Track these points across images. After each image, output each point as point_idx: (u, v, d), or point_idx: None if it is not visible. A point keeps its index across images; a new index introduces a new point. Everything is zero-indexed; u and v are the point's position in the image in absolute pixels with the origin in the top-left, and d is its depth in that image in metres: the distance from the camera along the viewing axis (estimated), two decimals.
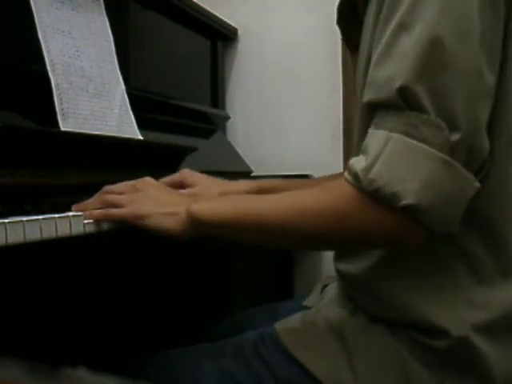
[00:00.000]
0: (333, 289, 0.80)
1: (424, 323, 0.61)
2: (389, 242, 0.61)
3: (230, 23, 1.59)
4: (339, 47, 1.51)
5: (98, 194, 0.70)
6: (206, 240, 0.84)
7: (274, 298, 1.45)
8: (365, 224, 0.57)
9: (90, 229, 0.64)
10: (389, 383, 0.62)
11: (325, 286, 0.86)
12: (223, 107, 1.63)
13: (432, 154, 0.53)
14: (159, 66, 1.31)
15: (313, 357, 0.65)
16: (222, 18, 1.54)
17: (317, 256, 1.58)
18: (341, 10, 0.80)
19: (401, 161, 0.54)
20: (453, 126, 0.53)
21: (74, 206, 0.67)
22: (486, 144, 0.57)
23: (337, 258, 0.74)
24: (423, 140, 0.53)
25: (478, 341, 0.59)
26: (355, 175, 0.56)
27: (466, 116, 0.54)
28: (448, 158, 0.53)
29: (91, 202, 0.69)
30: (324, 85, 1.55)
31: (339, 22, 0.82)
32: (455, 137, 0.53)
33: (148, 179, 0.72)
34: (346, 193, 0.57)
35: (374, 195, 0.55)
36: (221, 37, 1.60)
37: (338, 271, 0.74)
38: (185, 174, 0.89)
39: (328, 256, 1.56)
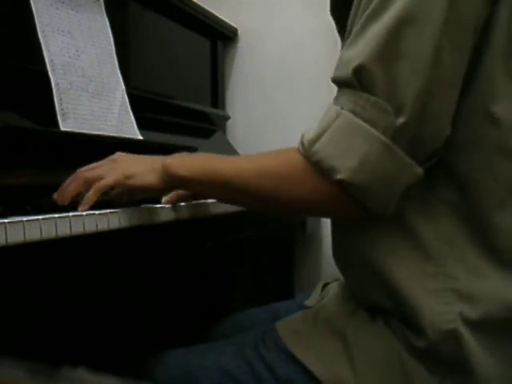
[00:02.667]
0: (333, 288, 0.80)
1: (410, 315, 0.61)
2: (326, 211, 0.68)
3: (230, 23, 1.59)
4: (339, 47, 1.51)
5: (74, 175, 0.69)
6: (206, 239, 0.84)
7: (274, 297, 1.45)
8: (305, 190, 0.61)
9: (91, 228, 0.64)
10: (389, 383, 0.62)
11: (325, 286, 0.86)
12: (223, 107, 1.63)
13: (374, 135, 0.56)
14: (159, 66, 1.31)
15: (313, 356, 0.65)
16: (222, 18, 1.54)
17: (317, 256, 1.58)
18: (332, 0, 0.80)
19: (344, 137, 0.57)
20: (399, 112, 0.55)
21: (54, 194, 0.67)
22: (443, 132, 0.58)
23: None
24: (368, 121, 0.56)
25: (467, 336, 0.59)
26: (302, 144, 0.60)
27: (415, 105, 0.55)
28: (389, 142, 0.56)
29: (71, 184, 0.68)
30: (324, 85, 1.54)
31: (332, 11, 0.83)
32: (399, 122, 0.55)
33: (118, 153, 0.73)
34: (294, 159, 0.61)
35: (315, 166, 0.59)
36: (221, 37, 1.60)
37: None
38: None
39: (328, 256, 1.56)
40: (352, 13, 0.65)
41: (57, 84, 0.87)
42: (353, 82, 0.58)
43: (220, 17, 1.53)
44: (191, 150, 1.15)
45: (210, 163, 0.68)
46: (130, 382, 0.30)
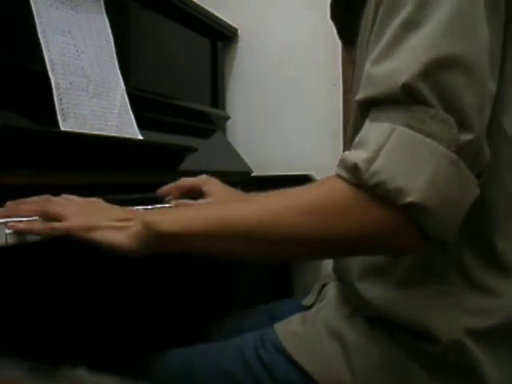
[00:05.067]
0: (332, 289, 0.80)
1: (418, 327, 0.60)
2: (382, 247, 0.54)
3: (230, 23, 1.59)
4: (339, 47, 1.51)
5: (38, 200, 0.63)
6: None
7: (274, 297, 1.45)
8: (358, 223, 0.51)
9: None
10: None
11: (324, 286, 0.86)
12: (223, 107, 1.63)
13: (439, 149, 0.49)
14: (159, 66, 1.31)
15: (312, 359, 0.65)
16: (222, 18, 1.54)
17: None
18: (333, 4, 0.78)
19: (406, 155, 0.49)
20: (463, 125, 0.50)
21: (7, 205, 0.61)
22: (488, 150, 0.54)
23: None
24: (430, 135, 0.49)
25: (473, 346, 0.58)
26: (353, 168, 0.50)
27: (478, 118, 0.51)
28: (455, 157, 0.49)
29: (28, 207, 0.61)
30: (324, 85, 1.55)
31: (333, 16, 0.80)
32: (467, 137, 0.50)
33: (95, 199, 0.65)
34: (339, 188, 0.52)
35: (374, 190, 0.49)
36: (221, 37, 1.60)
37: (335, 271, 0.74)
38: (204, 179, 0.87)
39: None
40: (366, 16, 0.62)
41: (57, 84, 0.87)
42: (402, 97, 0.50)
43: (220, 17, 1.53)
44: (191, 150, 1.15)
45: (216, 212, 0.57)
46: (129, 381, 0.31)
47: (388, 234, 0.51)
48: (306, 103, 1.58)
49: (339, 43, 1.53)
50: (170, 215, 0.59)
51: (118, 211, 0.62)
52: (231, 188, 0.88)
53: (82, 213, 0.61)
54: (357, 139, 0.54)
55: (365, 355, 0.63)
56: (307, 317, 0.72)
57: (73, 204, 0.63)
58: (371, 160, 0.49)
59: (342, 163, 0.52)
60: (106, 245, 0.58)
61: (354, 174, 0.50)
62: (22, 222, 0.57)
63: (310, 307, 0.81)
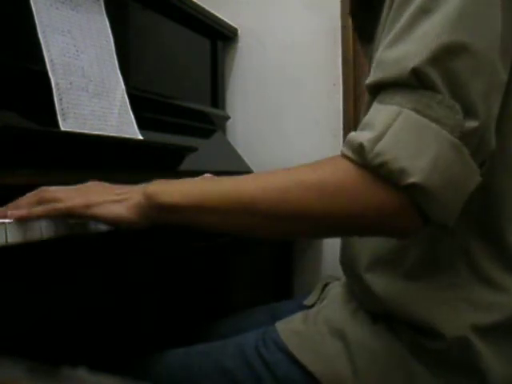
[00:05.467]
0: (334, 288, 0.80)
1: (422, 322, 0.61)
2: (383, 227, 0.54)
3: (230, 23, 1.59)
4: (339, 47, 1.51)
5: (34, 192, 0.62)
6: (206, 239, 0.83)
7: (274, 297, 1.45)
8: (362, 202, 0.51)
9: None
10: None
11: (325, 285, 0.86)
12: (223, 107, 1.63)
13: (443, 134, 0.50)
14: (159, 66, 1.31)
15: (314, 358, 0.65)
16: (222, 18, 1.54)
17: (317, 256, 1.58)
18: (354, 1, 0.78)
19: (411, 137, 0.50)
20: (469, 112, 0.50)
21: (7, 206, 0.60)
22: (494, 140, 0.54)
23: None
24: (435, 120, 0.50)
25: (478, 342, 0.59)
26: (359, 147, 0.51)
27: (484, 106, 0.51)
28: (459, 142, 0.50)
29: (26, 199, 0.60)
30: (324, 85, 1.55)
31: (353, 12, 0.80)
32: (472, 124, 0.50)
33: (92, 182, 0.65)
34: (344, 166, 0.52)
35: (378, 170, 0.50)
36: (221, 37, 1.60)
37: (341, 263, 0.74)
38: (207, 178, 0.85)
39: (328, 255, 1.56)
40: (385, 14, 0.61)
41: (57, 84, 0.87)
42: (410, 82, 0.51)
43: (220, 17, 1.53)
44: (191, 150, 1.15)
45: (218, 185, 0.58)
46: (129, 382, 0.30)
47: (390, 214, 0.52)
48: (306, 103, 1.58)
49: (339, 43, 1.53)
50: (172, 186, 0.59)
51: (114, 187, 0.62)
52: None
53: (80, 194, 0.60)
54: (364, 120, 0.54)
55: (367, 354, 0.63)
56: (309, 315, 0.72)
57: (69, 189, 0.62)
58: (376, 140, 0.50)
59: (349, 143, 0.53)
60: (107, 218, 0.58)
61: (359, 154, 0.51)
62: (22, 210, 0.57)
63: (311, 307, 0.81)
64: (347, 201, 0.52)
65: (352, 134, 0.53)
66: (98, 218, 0.59)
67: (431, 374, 0.60)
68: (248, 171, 1.52)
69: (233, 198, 0.55)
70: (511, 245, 0.60)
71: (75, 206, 0.58)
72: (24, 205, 0.59)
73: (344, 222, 0.54)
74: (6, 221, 0.55)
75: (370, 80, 0.55)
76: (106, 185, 0.64)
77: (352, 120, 1.48)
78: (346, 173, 0.52)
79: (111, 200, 0.59)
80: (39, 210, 0.58)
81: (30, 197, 0.61)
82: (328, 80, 1.54)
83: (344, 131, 1.52)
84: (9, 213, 0.56)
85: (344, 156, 0.53)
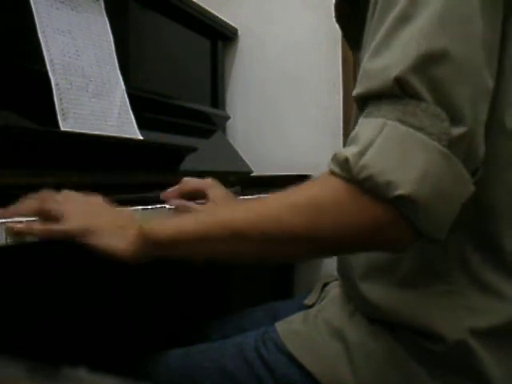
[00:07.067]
0: (333, 288, 0.80)
1: (421, 327, 0.60)
2: (373, 242, 0.54)
3: (230, 23, 1.60)
4: (339, 47, 1.51)
5: (36, 196, 0.62)
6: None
7: (274, 297, 1.45)
8: (351, 217, 0.51)
9: None
10: None
11: (325, 285, 0.86)
12: (223, 107, 1.63)
13: (430, 144, 0.49)
14: (159, 66, 1.31)
15: (313, 358, 0.65)
16: (222, 18, 1.54)
17: None
18: (338, 7, 0.77)
19: (396, 149, 0.49)
20: (455, 118, 0.49)
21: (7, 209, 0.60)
22: (483, 146, 0.53)
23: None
24: (420, 128, 0.49)
25: (477, 346, 0.58)
26: (344, 162, 0.50)
27: (470, 111, 0.50)
28: (447, 151, 0.49)
29: (26, 206, 0.61)
30: (324, 85, 1.55)
31: (338, 19, 0.80)
32: (458, 130, 0.49)
33: (94, 197, 0.64)
34: (333, 184, 0.52)
35: (364, 184, 0.49)
36: (221, 37, 1.60)
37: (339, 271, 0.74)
38: (209, 183, 0.85)
39: None
40: (369, 20, 0.61)
41: (57, 84, 0.87)
42: (394, 91, 0.50)
43: (220, 17, 1.53)
44: (191, 150, 1.15)
45: (207, 216, 0.59)
46: (129, 382, 0.30)
47: (380, 228, 0.51)
48: (306, 103, 1.58)
49: (339, 43, 1.53)
50: (165, 222, 0.60)
51: (115, 214, 0.63)
52: (234, 197, 0.87)
53: (81, 212, 0.61)
54: (351, 135, 0.54)
55: (367, 354, 0.63)
56: (308, 316, 0.71)
57: (71, 202, 0.63)
58: (361, 154, 0.50)
59: (335, 159, 0.53)
60: (103, 250, 0.59)
61: (345, 169, 0.51)
62: (22, 222, 0.57)
63: (311, 306, 0.81)
64: (338, 216, 0.52)
65: (338, 150, 0.53)
66: (95, 248, 0.59)
67: (430, 375, 0.60)
68: (248, 171, 1.52)
69: (225, 228, 0.55)
70: (507, 251, 0.59)
71: (73, 230, 0.59)
72: (24, 212, 0.60)
73: (338, 239, 0.53)
74: (7, 220, 0.56)
75: (355, 92, 0.55)
76: (108, 207, 0.64)
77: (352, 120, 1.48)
78: (333, 189, 0.52)
79: (111, 229, 0.60)
80: (38, 229, 0.59)
81: (31, 203, 0.61)
82: (328, 80, 1.54)
83: (344, 131, 1.52)
84: (9, 224, 0.56)
85: (332, 172, 0.53)
